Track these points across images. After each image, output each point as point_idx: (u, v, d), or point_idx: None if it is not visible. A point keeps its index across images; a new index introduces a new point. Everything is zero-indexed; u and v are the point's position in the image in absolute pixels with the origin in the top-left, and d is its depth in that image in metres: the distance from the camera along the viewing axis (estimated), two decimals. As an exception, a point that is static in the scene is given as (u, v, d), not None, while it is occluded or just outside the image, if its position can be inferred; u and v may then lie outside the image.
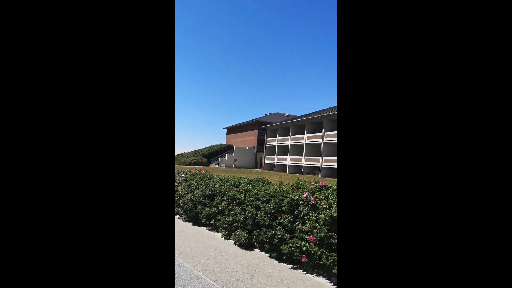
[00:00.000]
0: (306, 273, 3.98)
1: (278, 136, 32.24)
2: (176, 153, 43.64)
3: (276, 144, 32.19)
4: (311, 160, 26.02)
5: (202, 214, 6.27)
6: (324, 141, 24.72)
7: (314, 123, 27.96)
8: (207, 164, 34.82)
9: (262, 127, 35.89)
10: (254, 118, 41.10)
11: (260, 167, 34.84)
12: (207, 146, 41.29)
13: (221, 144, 41.34)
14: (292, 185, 5.06)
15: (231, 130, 44.76)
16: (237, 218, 5.29)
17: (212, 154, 37.71)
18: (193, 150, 40.66)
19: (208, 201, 6.41)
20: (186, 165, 31.74)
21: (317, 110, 31.08)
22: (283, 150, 31.83)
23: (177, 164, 32.24)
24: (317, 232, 3.98)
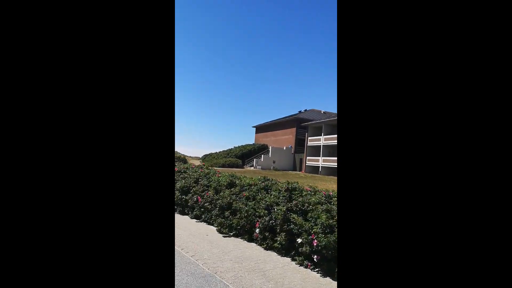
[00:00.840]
0: None
1: (324, 135, 28.43)
2: (203, 154, 40.47)
3: (321, 144, 28.38)
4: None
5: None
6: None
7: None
8: (242, 165, 31.29)
9: (301, 125, 32.14)
10: (284, 116, 37.48)
11: (301, 170, 31.11)
12: (237, 146, 37.77)
13: (253, 144, 37.75)
14: None
15: (261, 129, 41.14)
16: None
17: (245, 155, 34.08)
18: (222, 150, 37.25)
19: None
20: (219, 167, 28.32)
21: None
22: (329, 151, 28.01)
23: (209, 166, 28.82)
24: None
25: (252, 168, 31.00)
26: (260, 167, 31.24)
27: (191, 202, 6.71)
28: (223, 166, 29.11)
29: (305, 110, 38.64)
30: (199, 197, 6.55)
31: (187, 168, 8.50)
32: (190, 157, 40.74)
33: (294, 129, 33.89)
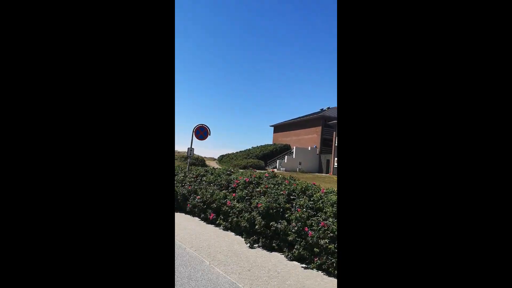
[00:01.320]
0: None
1: (356, 134, 25.91)
2: (220, 154, 38.04)
3: (353, 144, 25.88)
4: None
5: None
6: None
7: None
8: (264, 167, 28.86)
9: (328, 123, 29.60)
10: (304, 115, 34.91)
11: (328, 172, 28.58)
12: (257, 146, 35.30)
13: (275, 144, 35.20)
14: None
15: (280, 128, 38.61)
16: None
17: (267, 156, 31.59)
18: (240, 151, 34.83)
19: None
20: (241, 168, 25.91)
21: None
22: (361, 152, 25.46)
23: (230, 167, 26.38)
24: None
25: (275, 170, 28.55)
26: (283, 168, 28.80)
27: (292, 235, 4.27)
28: (244, 167, 26.72)
29: (328, 108, 36.02)
30: (307, 229, 4.11)
31: (259, 177, 6.03)
32: (204, 157, 38.40)
33: (318, 128, 31.37)
